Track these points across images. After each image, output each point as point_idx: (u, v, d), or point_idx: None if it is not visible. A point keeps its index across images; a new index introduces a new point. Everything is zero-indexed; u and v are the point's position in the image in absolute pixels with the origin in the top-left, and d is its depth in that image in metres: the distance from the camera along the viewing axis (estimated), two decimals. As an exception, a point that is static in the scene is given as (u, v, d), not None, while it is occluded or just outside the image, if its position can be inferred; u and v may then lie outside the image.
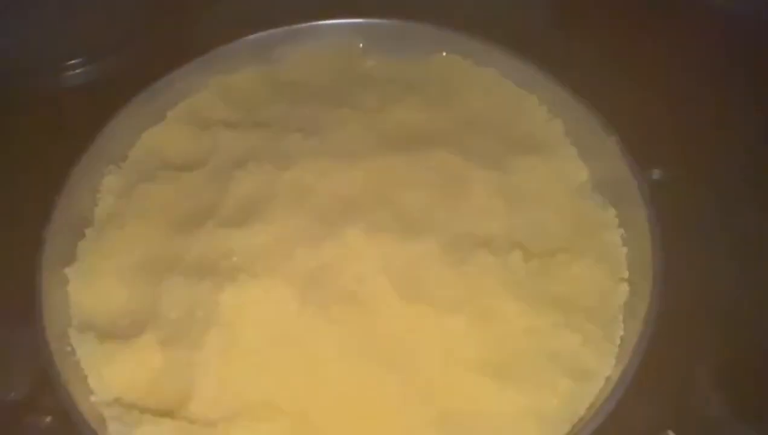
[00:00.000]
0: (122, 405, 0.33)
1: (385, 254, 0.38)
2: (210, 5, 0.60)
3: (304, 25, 0.51)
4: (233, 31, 0.50)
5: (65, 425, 0.32)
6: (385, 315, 0.36)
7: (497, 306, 0.37)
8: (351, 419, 0.33)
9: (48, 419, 0.35)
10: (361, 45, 0.51)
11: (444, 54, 0.50)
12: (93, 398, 0.34)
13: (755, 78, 0.50)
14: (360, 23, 0.51)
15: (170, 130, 0.46)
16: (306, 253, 0.38)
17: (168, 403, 0.33)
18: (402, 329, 0.36)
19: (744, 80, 0.50)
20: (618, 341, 0.35)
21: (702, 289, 0.45)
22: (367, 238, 0.38)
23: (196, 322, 0.36)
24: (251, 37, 0.50)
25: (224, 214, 0.40)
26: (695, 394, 0.44)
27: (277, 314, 0.35)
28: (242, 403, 0.33)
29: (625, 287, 0.38)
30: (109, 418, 0.32)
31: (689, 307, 0.41)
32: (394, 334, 0.35)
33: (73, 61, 0.57)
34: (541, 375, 0.34)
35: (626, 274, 0.38)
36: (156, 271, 0.39)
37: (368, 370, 0.34)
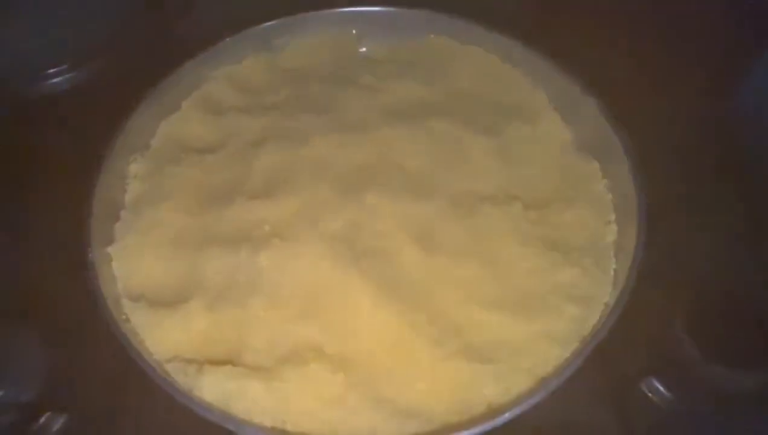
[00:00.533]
0: (181, 360, 0.37)
1: (401, 213, 0.42)
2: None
3: (300, 15, 0.55)
4: (233, 24, 0.53)
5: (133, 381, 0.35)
6: (408, 265, 0.40)
7: (504, 251, 0.42)
8: (386, 355, 0.37)
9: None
10: (354, 32, 0.55)
11: (432, 36, 0.54)
12: (155, 357, 0.37)
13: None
14: (353, 11, 0.55)
15: (187, 118, 0.50)
16: (331, 218, 0.42)
17: (223, 356, 0.37)
18: (424, 276, 0.40)
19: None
20: (612, 272, 0.41)
21: (680, 229, 0.51)
22: (384, 201, 0.42)
23: (238, 285, 0.39)
24: (252, 29, 0.53)
25: (251, 189, 0.44)
26: (672, 337, 0.50)
27: (312, 270, 0.39)
28: (290, 350, 0.37)
29: (613, 228, 0.43)
30: (173, 372, 0.36)
31: (669, 243, 0.47)
32: (417, 281, 0.40)
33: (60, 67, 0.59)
34: (548, 304, 0.39)
35: (613, 217, 0.43)
36: (192, 244, 0.42)
37: (398, 312, 0.38)
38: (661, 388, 0.48)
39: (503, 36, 0.52)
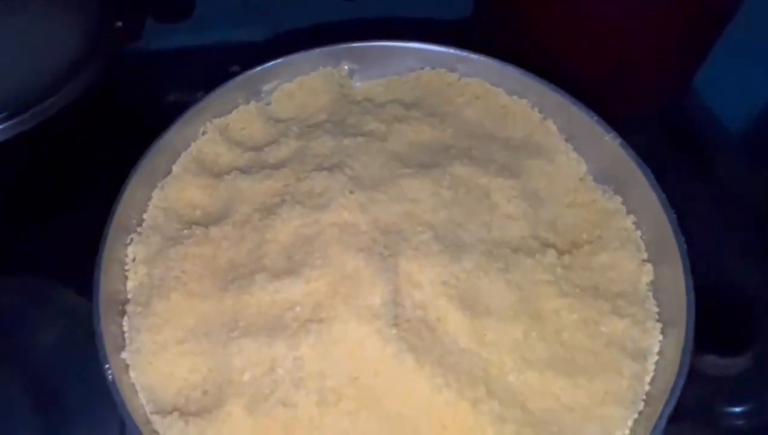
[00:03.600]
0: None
1: (438, 277, 0.40)
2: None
3: (285, 57, 0.50)
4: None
5: None
6: (454, 333, 0.38)
7: (546, 304, 0.40)
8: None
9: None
10: (346, 68, 0.52)
11: (429, 70, 0.52)
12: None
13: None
14: (341, 48, 0.51)
15: (182, 184, 0.45)
16: (367, 293, 0.39)
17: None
18: (473, 341, 0.38)
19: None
20: (657, 317, 0.40)
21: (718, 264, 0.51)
22: (418, 266, 0.40)
23: (279, 380, 0.36)
24: (239, 76, 0.49)
25: (272, 265, 0.40)
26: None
27: (357, 353, 0.37)
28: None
29: (649, 268, 0.42)
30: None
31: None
32: (467, 350, 0.38)
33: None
34: (604, 361, 0.38)
35: (645, 256, 0.43)
36: (215, 335, 0.38)
37: (456, 390, 0.36)
38: None
39: (508, 67, 0.50)
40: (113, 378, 0.34)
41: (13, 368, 0.46)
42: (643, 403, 0.36)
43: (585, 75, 0.49)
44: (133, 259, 0.42)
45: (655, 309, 0.41)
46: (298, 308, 0.38)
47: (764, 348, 0.48)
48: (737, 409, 0.47)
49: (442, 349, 0.38)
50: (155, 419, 0.35)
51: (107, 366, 0.34)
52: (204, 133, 0.48)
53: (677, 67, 0.62)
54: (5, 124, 0.53)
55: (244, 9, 0.67)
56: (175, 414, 0.35)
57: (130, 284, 0.41)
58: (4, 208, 0.54)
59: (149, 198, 0.44)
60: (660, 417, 0.33)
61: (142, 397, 0.36)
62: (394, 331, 0.37)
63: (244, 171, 0.46)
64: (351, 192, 0.43)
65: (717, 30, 0.59)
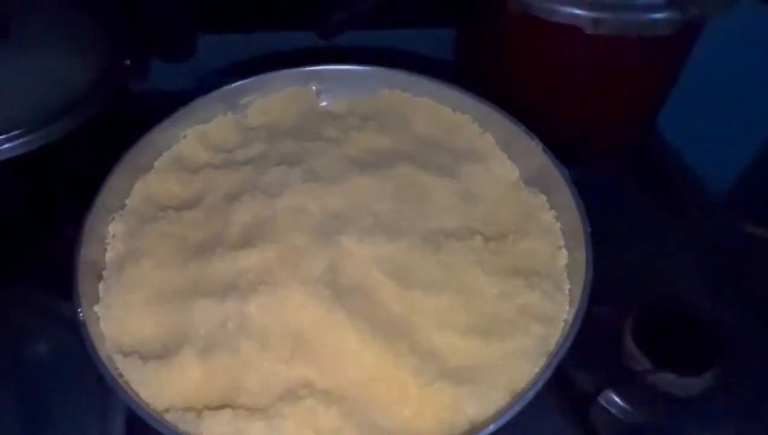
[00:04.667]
0: (179, 409, 0.38)
1: (375, 253, 0.46)
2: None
3: (262, 75, 0.58)
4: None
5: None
6: (386, 300, 0.44)
7: (472, 281, 0.46)
8: (374, 386, 0.40)
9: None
10: (314, 88, 0.60)
11: (387, 90, 0.60)
12: (152, 409, 0.38)
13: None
14: (311, 70, 0.59)
15: (162, 177, 0.52)
16: (311, 262, 0.45)
17: (220, 402, 0.39)
18: (402, 310, 0.43)
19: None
20: (567, 292, 0.46)
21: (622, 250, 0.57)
22: (359, 244, 0.46)
23: (228, 333, 0.41)
24: (221, 89, 0.57)
25: (232, 241, 0.47)
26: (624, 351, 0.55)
27: (298, 313, 0.42)
28: (284, 389, 0.39)
29: (564, 253, 0.48)
30: (173, 421, 0.37)
31: (613, 263, 0.52)
32: (396, 315, 0.43)
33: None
34: (517, 325, 0.43)
35: (562, 243, 0.49)
36: (178, 298, 0.44)
37: (382, 345, 0.41)
38: (618, 400, 0.53)
39: (452, 88, 0.58)
40: (84, 318, 0.40)
41: (4, 377, 0.50)
42: (545, 359, 0.41)
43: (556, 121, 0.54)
44: (113, 236, 0.48)
45: (567, 286, 0.46)
46: (250, 274, 0.44)
47: (725, 370, 0.51)
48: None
49: (374, 311, 0.43)
50: (117, 358, 0.40)
51: (80, 310, 0.40)
52: (185, 137, 0.55)
53: (639, 109, 0.68)
54: (13, 143, 0.61)
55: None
56: (135, 355, 0.41)
57: (108, 256, 0.47)
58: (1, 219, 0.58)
59: (132, 188, 0.51)
60: (549, 363, 0.38)
61: (108, 344, 0.42)
62: (331, 294, 0.43)
63: (217, 167, 0.53)
64: (304, 182, 0.49)
65: (673, 74, 0.66)
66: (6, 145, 0.57)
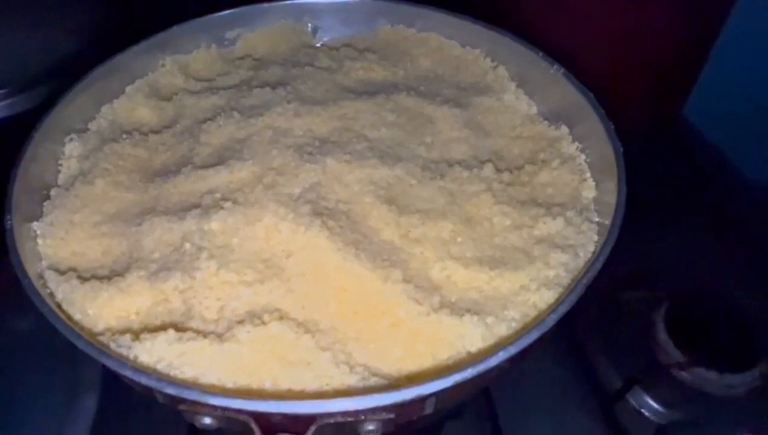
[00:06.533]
0: (115, 332, 0.31)
1: (366, 177, 0.39)
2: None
3: (252, 6, 0.53)
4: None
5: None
6: (377, 225, 0.37)
7: (479, 210, 0.38)
8: (358, 317, 0.33)
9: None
10: (309, 24, 0.54)
11: (389, 26, 0.54)
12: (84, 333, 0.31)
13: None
14: (306, 2, 0.53)
15: (131, 102, 0.46)
16: (290, 182, 0.38)
17: (166, 327, 0.31)
18: (395, 237, 0.36)
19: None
20: (595, 223, 0.38)
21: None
22: (347, 165, 0.39)
23: (185, 254, 0.35)
24: (203, 18, 0.51)
25: (199, 161, 0.40)
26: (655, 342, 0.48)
27: (270, 232, 0.35)
28: (246, 313, 0.32)
29: (591, 183, 0.40)
30: (104, 343, 0.30)
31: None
32: (388, 241, 0.36)
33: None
34: (533, 256, 0.35)
35: (588, 175, 0.41)
36: (132, 219, 0.37)
37: (369, 271, 0.34)
38: (648, 398, 0.46)
39: (461, 19, 0.51)
40: (11, 226, 0.33)
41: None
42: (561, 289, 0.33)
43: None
44: (69, 157, 0.42)
45: (596, 218, 0.38)
46: (218, 194, 0.37)
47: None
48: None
49: (361, 237, 0.36)
50: (50, 275, 0.34)
51: (8, 216, 0.33)
52: (163, 65, 0.49)
53: (667, 85, 0.62)
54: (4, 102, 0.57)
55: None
56: (71, 273, 0.34)
57: (60, 177, 0.41)
58: None
59: (98, 112, 0.45)
60: (575, 287, 0.30)
61: (44, 264, 0.35)
62: (310, 211, 0.36)
63: (193, 93, 0.47)
64: (289, 102, 0.43)
65: (702, 57, 0.60)
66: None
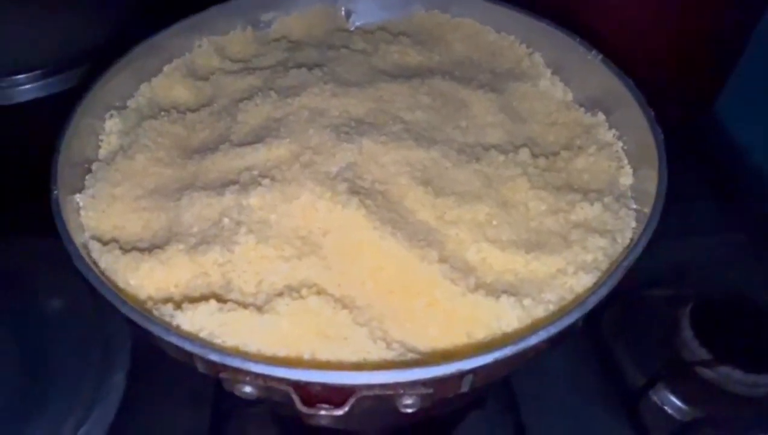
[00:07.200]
0: (157, 301, 0.32)
1: (402, 158, 0.39)
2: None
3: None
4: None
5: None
6: (414, 206, 0.37)
7: (515, 194, 0.38)
8: (395, 296, 0.33)
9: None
10: (343, 9, 0.54)
11: (423, 11, 0.53)
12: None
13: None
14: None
15: (169, 81, 0.46)
16: (327, 161, 0.38)
17: (206, 297, 0.32)
18: (431, 218, 0.36)
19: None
20: (633, 211, 0.37)
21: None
22: (383, 147, 0.39)
23: (223, 228, 0.35)
24: (240, 0, 0.52)
25: (238, 139, 0.41)
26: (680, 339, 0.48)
27: (308, 209, 0.35)
28: (285, 287, 0.32)
29: (628, 171, 0.40)
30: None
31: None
32: (424, 222, 0.36)
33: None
34: (571, 240, 0.35)
35: (626, 162, 0.41)
36: (171, 194, 0.38)
37: (406, 250, 0.34)
38: (671, 396, 0.45)
39: (496, 4, 0.51)
40: (56, 197, 0.34)
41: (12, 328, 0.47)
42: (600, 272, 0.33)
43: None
44: (109, 133, 0.43)
45: (633, 206, 0.38)
46: (255, 171, 0.38)
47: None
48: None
49: (398, 216, 0.36)
50: (93, 244, 0.34)
51: (54, 187, 0.34)
52: (200, 46, 0.50)
53: (698, 78, 0.61)
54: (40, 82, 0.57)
55: None
56: (114, 244, 0.34)
57: (101, 152, 0.42)
58: (19, 168, 0.55)
59: (137, 89, 0.46)
60: (615, 271, 0.30)
61: (86, 234, 0.36)
62: (347, 189, 0.36)
63: (229, 73, 0.47)
64: (325, 83, 0.43)
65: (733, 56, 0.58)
66: (27, 86, 0.55)
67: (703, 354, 0.45)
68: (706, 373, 0.45)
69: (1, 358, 0.45)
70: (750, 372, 0.44)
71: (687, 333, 0.47)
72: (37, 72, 0.58)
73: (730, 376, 0.44)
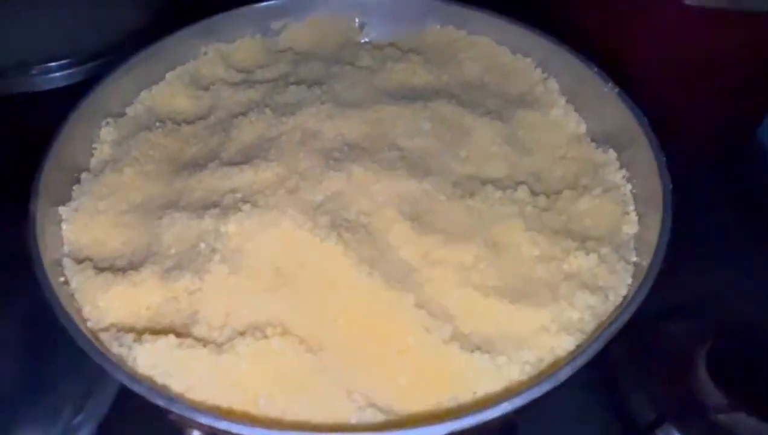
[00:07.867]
0: (119, 329, 0.31)
1: (392, 189, 0.37)
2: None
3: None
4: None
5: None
6: (396, 243, 0.35)
7: (507, 236, 0.36)
8: (365, 340, 0.32)
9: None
10: (357, 20, 0.52)
11: (438, 26, 0.51)
12: (89, 324, 0.31)
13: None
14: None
15: (170, 89, 0.46)
16: (312, 188, 0.37)
17: (169, 328, 0.31)
18: (413, 257, 0.35)
19: None
20: (632, 265, 0.35)
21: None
22: (374, 175, 0.38)
23: (199, 254, 0.34)
24: (250, 7, 0.50)
25: (227, 157, 0.40)
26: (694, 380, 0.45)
27: (285, 240, 0.34)
28: (249, 324, 0.31)
29: (633, 218, 0.37)
30: (106, 341, 0.30)
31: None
32: (405, 261, 0.34)
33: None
34: (559, 294, 0.33)
35: (632, 208, 0.38)
36: (154, 212, 0.37)
37: (381, 292, 0.32)
38: None
39: (514, 24, 0.48)
40: (35, 212, 0.33)
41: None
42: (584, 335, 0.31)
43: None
44: (103, 141, 0.42)
45: (633, 258, 0.36)
46: (239, 194, 0.37)
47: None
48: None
49: (378, 254, 0.34)
50: (67, 263, 0.34)
51: (34, 201, 0.34)
52: (205, 54, 0.49)
53: (735, 117, 0.57)
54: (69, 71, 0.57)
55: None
56: (88, 264, 0.34)
57: (92, 161, 0.41)
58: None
59: (137, 96, 0.46)
60: (596, 339, 0.28)
61: (66, 249, 0.36)
62: (328, 222, 0.34)
63: (231, 85, 0.46)
64: (323, 103, 0.42)
65: None
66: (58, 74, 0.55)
67: (718, 398, 0.43)
68: (719, 418, 0.42)
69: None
70: (766, 421, 0.41)
71: (702, 374, 0.44)
72: (69, 60, 0.58)
73: (744, 423, 0.41)
